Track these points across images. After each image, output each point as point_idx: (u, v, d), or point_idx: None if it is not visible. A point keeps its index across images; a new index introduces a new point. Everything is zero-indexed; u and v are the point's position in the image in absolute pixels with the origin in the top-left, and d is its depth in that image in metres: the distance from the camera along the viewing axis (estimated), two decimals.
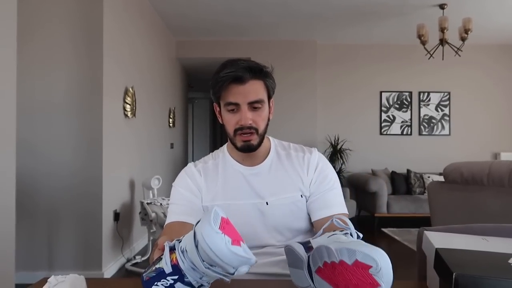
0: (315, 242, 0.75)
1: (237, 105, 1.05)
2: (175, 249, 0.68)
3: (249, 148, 1.08)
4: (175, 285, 0.66)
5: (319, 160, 1.17)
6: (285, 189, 1.12)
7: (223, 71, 1.04)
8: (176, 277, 0.66)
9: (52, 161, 2.96)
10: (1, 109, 1.81)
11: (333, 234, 0.76)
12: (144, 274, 0.70)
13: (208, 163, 1.18)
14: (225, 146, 1.22)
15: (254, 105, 1.06)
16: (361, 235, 0.78)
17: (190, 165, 1.19)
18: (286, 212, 1.10)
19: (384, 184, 5.05)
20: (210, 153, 1.24)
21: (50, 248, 3.00)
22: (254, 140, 1.08)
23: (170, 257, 0.68)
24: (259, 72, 1.07)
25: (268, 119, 1.12)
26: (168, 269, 0.66)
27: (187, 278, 0.66)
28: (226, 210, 1.09)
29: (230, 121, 1.08)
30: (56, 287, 0.69)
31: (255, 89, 1.06)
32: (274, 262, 1.08)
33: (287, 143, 1.23)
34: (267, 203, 1.10)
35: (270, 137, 1.21)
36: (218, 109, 1.13)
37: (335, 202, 1.12)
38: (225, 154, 1.18)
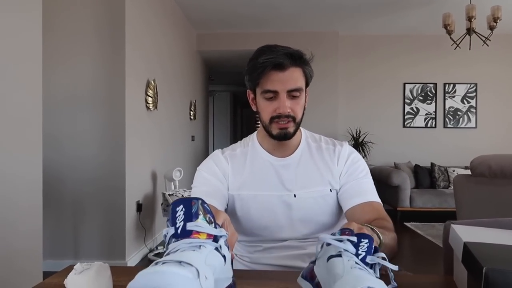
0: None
1: (275, 92, 1.01)
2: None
3: (285, 136, 1.05)
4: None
5: (350, 152, 1.14)
6: (314, 182, 1.09)
7: (262, 56, 1.00)
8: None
9: (76, 153, 3.03)
10: (28, 103, 1.86)
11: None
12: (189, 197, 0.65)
13: (236, 151, 1.15)
14: (254, 134, 1.18)
15: (292, 94, 1.02)
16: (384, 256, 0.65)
17: (217, 152, 1.16)
18: (314, 205, 1.08)
19: (407, 177, 4.96)
20: (239, 141, 1.21)
21: (75, 238, 3.08)
22: (291, 128, 1.05)
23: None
24: (299, 59, 1.03)
25: (304, 108, 1.09)
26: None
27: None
28: (252, 200, 1.08)
29: (266, 108, 1.04)
30: (81, 274, 0.71)
31: (294, 76, 1.02)
32: (295, 255, 1.08)
33: (318, 136, 1.20)
34: (295, 196, 1.08)
35: (301, 128, 1.17)
36: (252, 95, 1.10)
37: (368, 190, 1.08)
38: (254, 143, 1.15)
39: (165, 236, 0.59)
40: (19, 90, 1.78)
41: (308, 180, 1.09)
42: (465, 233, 0.80)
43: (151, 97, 3.54)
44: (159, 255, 3.46)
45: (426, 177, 5.29)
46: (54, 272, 0.87)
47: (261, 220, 1.08)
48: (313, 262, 0.70)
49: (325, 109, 5.61)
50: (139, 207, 3.34)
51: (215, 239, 0.58)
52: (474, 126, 5.84)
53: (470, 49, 4.46)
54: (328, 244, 0.66)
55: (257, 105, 1.08)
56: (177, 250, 0.56)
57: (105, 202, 3.07)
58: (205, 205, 0.60)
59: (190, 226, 0.57)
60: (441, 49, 5.61)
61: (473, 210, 2.30)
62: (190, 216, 0.58)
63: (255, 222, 1.08)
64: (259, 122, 1.10)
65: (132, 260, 3.17)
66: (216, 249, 0.58)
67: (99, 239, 3.08)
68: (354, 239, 0.63)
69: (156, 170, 3.83)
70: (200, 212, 0.59)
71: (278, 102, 1.02)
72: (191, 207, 0.59)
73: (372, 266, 0.63)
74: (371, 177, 1.14)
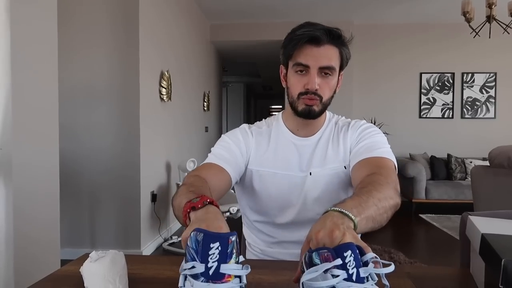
0: None
1: (306, 67, 1.00)
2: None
3: (309, 114, 1.04)
4: None
5: (363, 123, 1.13)
6: (329, 160, 1.09)
7: (300, 30, 1.00)
8: None
9: (92, 144, 3.08)
10: (44, 94, 1.88)
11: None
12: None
13: (261, 128, 1.16)
14: (279, 114, 1.19)
15: (324, 71, 1.01)
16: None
17: (245, 125, 1.18)
18: (328, 183, 1.07)
19: (422, 169, 4.89)
20: (264, 119, 1.22)
21: (92, 227, 3.14)
22: (316, 106, 1.03)
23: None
24: (337, 38, 1.01)
25: (335, 92, 1.07)
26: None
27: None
28: (271, 178, 1.08)
29: (296, 83, 1.03)
30: (97, 261, 0.72)
31: (329, 54, 1.00)
32: None
33: (342, 117, 1.21)
34: (310, 174, 1.08)
35: (327, 110, 1.17)
36: (284, 71, 1.09)
37: (372, 147, 1.02)
38: (279, 123, 1.16)
39: (186, 269, 0.55)
40: (35, 81, 1.81)
41: (324, 158, 1.09)
42: (483, 224, 0.78)
43: (165, 88, 3.56)
44: (174, 244, 3.50)
45: (442, 168, 5.20)
46: (71, 260, 0.89)
47: (277, 199, 1.08)
48: None
49: (340, 99, 5.53)
50: (153, 197, 3.38)
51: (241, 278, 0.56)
52: (493, 116, 5.71)
53: (489, 37, 4.34)
54: (303, 273, 0.58)
55: (287, 80, 1.07)
56: None
57: (121, 192, 3.11)
58: (236, 237, 0.57)
59: (224, 269, 0.54)
60: (460, 37, 5.48)
61: (491, 201, 2.25)
62: (225, 257, 0.55)
63: (271, 200, 1.09)
64: (288, 97, 1.09)
65: (147, 249, 3.22)
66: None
67: (115, 228, 3.13)
68: (339, 261, 0.53)
69: (170, 161, 3.86)
70: (234, 251, 0.56)
71: (308, 77, 1.00)
72: (228, 246, 0.55)
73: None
74: (382, 137, 1.08)
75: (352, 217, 0.67)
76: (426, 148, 5.60)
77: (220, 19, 5.50)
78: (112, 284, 0.67)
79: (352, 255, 0.54)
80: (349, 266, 0.53)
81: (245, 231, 1.22)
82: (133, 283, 0.73)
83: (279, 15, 5.30)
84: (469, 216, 0.86)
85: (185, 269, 0.55)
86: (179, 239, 3.62)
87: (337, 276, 0.52)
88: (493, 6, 3.96)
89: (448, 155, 5.27)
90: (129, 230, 3.13)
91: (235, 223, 3.26)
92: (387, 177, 0.88)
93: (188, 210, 0.69)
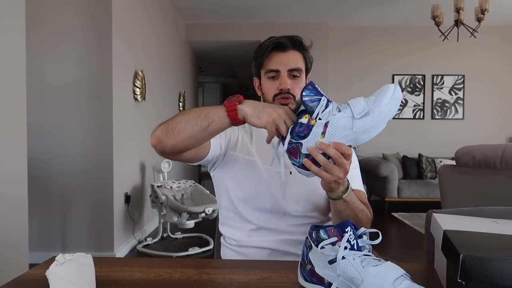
0: None
1: (277, 72, 1.11)
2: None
3: None
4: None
5: None
6: None
7: (265, 41, 1.13)
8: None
9: (63, 144, 3.00)
10: (11, 92, 1.82)
11: None
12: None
13: (245, 127, 1.21)
14: None
15: (293, 73, 1.11)
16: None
17: None
18: (307, 184, 1.09)
19: (395, 168, 5.01)
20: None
21: (63, 230, 3.06)
22: (291, 104, 1.10)
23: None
24: (299, 44, 1.13)
25: None
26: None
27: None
28: (255, 167, 1.15)
29: (270, 88, 1.13)
30: (63, 265, 0.70)
31: (294, 58, 1.12)
32: (284, 240, 1.11)
33: None
34: (290, 173, 1.11)
35: None
36: (257, 83, 1.19)
37: (355, 180, 1.12)
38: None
39: (323, 105, 0.79)
40: (2, 80, 1.75)
41: None
42: (446, 221, 0.81)
43: (139, 88, 3.51)
44: (148, 246, 3.46)
45: (413, 168, 5.35)
46: None
47: (259, 187, 1.11)
48: (305, 263, 0.73)
49: None
50: (127, 198, 3.33)
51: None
52: (461, 117, 5.91)
53: (458, 40, 4.50)
54: (309, 247, 0.71)
55: (261, 88, 1.16)
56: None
57: (93, 193, 3.04)
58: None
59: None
60: (430, 40, 5.64)
61: (457, 199, 2.34)
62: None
63: (254, 187, 1.12)
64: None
65: (120, 251, 3.16)
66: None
67: (87, 231, 3.07)
68: (352, 236, 0.67)
69: (144, 161, 3.81)
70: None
71: (279, 80, 1.11)
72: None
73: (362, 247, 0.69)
74: (359, 169, 1.19)
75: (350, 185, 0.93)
76: (398, 148, 5.74)
77: (196, 18, 5.47)
78: (78, 287, 0.66)
79: (351, 229, 0.68)
80: (351, 238, 0.67)
81: (221, 227, 1.23)
82: (102, 286, 0.72)
83: (255, 15, 5.32)
84: (433, 214, 0.89)
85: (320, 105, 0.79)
86: (154, 240, 3.58)
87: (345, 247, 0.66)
88: (461, 11, 4.11)
89: (419, 154, 5.42)
90: (101, 233, 3.06)
91: (210, 224, 3.25)
92: (370, 214, 1.06)
93: (237, 103, 0.88)
